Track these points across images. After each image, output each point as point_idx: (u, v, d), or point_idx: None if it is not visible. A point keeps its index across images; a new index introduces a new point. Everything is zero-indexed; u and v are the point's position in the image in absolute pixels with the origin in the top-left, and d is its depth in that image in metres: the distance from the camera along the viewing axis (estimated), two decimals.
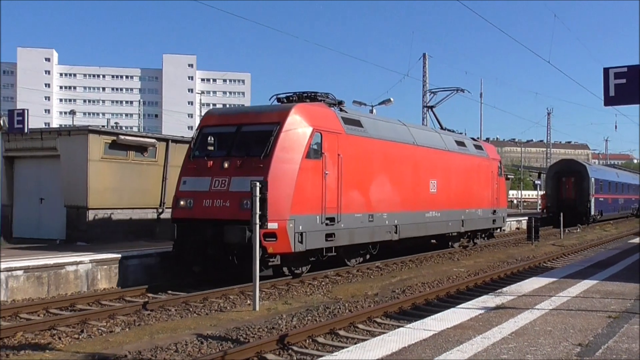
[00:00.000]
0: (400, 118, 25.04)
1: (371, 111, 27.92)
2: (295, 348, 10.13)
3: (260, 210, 13.08)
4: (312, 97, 17.81)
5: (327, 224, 16.04)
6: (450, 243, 25.73)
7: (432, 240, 24.90)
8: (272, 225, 14.08)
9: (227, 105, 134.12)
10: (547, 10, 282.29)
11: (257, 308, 13.17)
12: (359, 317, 12.34)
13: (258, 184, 13.20)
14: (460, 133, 27.83)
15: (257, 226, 13.08)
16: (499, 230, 30.33)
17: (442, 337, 7.99)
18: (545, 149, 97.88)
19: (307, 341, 10.61)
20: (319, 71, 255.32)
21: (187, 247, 15.38)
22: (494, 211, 28.25)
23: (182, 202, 15.67)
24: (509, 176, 69.21)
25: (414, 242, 22.57)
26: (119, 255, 16.58)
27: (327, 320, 12.18)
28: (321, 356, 8.98)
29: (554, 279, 13.78)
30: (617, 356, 6.98)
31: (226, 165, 15.32)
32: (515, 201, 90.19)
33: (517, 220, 46.17)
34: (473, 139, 28.83)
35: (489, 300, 11.07)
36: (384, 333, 9.67)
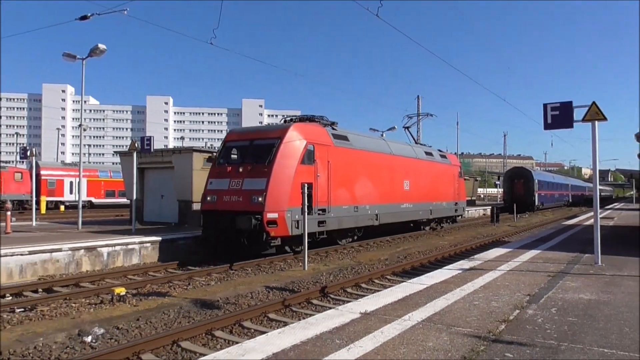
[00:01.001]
0: (401, 140, 24.81)
1: (381, 135, 27.21)
2: (331, 296, 10.12)
3: (307, 202, 13.04)
4: (310, 118, 17.03)
5: (319, 214, 15.28)
6: (422, 227, 24.86)
7: (411, 225, 24.02)
8: (273, 215, 13.72)
9: None
10: (504, 65, 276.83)
11: (306, 268, 13.14)
12: (375, 275, 12.26)
13: (306, 185, 13.21)
14: (430, 146, 26.82)
15: (306, 214, 13.06)
16: (460, 217, 29.56)
17: (432, 289, 7.90)
18: (502, 160, 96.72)
19: (340, 291, 10.59)
20: (346, 109, 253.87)
21: (211, 232, 14.57)
22: (456, 203, 27.59)
23: (208, 198, 14.87)
24: (477, 178, 68.56)
25: (393, 226, 21.50)
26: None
27: (353, 277, 12.11)
28: (349, 301, 8.94)
29: (510, 249, 13.50)
30: (554, 303, 6.83)
31: (241, 170, 14.60)
32: (482, 195, 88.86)
33: (483, 209, 45.48)
34: (440, 150, 27.83)
35: (465, 263, 10.89)
36: (392, 286, 9.58)
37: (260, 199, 13.80)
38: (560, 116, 10.04)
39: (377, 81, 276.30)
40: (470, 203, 52.51)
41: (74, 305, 9.09)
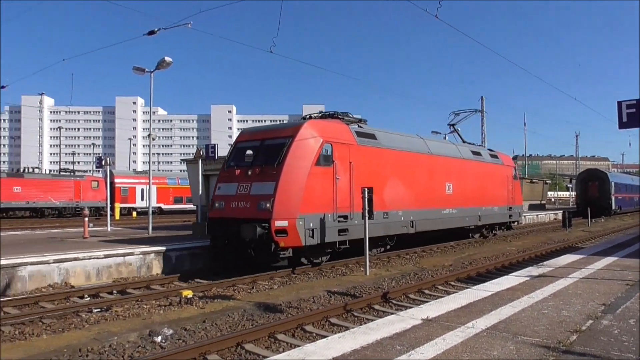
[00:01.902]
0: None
1: (444, 138, 25.61)
2: (394, 301, 10.04)
3: (368, 206, 13.00)
4: (333, 115, 15.49)
5: (339, 221, 13.58)
6: (470, 234, 22.27)
7: (457, 232, 21.40)
8: (282, 223, 12.22)
9: None
10: (573, 61, 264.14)
11: (368, 273, 13.10)
12: (439, 281, 12.04)
13: (366, 189, 13.11)
14: (480, 145, 24.24)
15: (367, 219, 13.03)
16: (516, 223, 26.58)
17: (498, 296, 7.68)
18: (574, 161, 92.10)
19: (402, 297, 10.48)
20: (405, 112, 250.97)
21: (219, 242, 13.42)
22: (510, 208, 24.60)
23: (216, 204, 13.62)
24: (547, 181, 65.68)
25: (433, 235, 19.24)
26: None
27: (415, 282, 11.95)
28: (411, 307, 8.84)
29: (584, 256, 12.85)
30: (633, 313, 6.44)
31: (249, 173, 13.18)
32: (552, 199, 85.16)
33: (554, 213, 43.50)
34: (490, 150, 25.17)
35: (533, 270, 10.49)
36: (455, 292, 9.38)
37: (267, 205, 12.36)
38: (637, 114, 9.45)
39: (437, 83, 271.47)
40: (540, 207, 50.46)
41: (145, 306, 9.55)
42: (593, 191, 45.84)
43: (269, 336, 7.53)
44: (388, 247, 16.79)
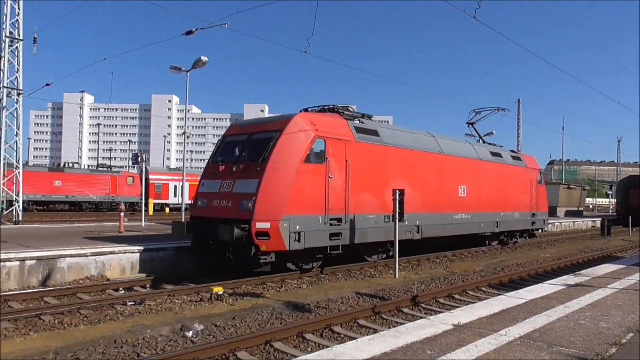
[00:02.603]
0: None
1: (478, 141, 24.04)
2: (423, 305, 9.94)
3: (399, 209, 12.90)
4: (332, 109, 14.20)
5: (331, 224, 12.48)
6: (487, 242, 20.80)
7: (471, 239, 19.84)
8: (264, 225, 11.23)
9: None
10: (617, 64, 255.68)
11: (397, 276, 13.01)
12: (469, 286, 11.85)
13: (397, 191, 12.99)
14: (501, 146, 22.47)
15: (397, 221, 12.94)
16: (540, 230, 24.62)
17: (532, 304, 7.52)
18: (615, 167, 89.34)
19: (432, 301, 10.36)
20: (439, 113, 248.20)
21: (200, 242, 12.51)
22: (533, 214, 22.80)
23: (198, 202, 12.82)
24: (585, 187, 63.85)
25: (444, 241, 17.88)
26: None
27: (446, 287, 11.81)
28: (442, 312, 8.74)
29: (624, 266, 12.45)
30: None
31: (234, 169, 12.27)
32: (590, 206, 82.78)
33: (592, 220, 42.27)
34: (513, 151, 23.44)
35: (569, 279, 10.23)
36: (487, 298, 9.24)
37: (249, 204, 11.40)
38: None
39: (473, 85, 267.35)
40: (577, 214, 49.10)
41: (176, 301, 9.73)
42: (635, 198, 44.19)
43: (297, 335, 7.56)
44: (391, 253, 14.91)
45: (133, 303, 9.52)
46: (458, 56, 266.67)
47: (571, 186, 54.31)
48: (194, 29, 14.43)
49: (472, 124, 23.05)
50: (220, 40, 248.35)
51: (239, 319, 8.43)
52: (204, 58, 18.44)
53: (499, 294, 9.35)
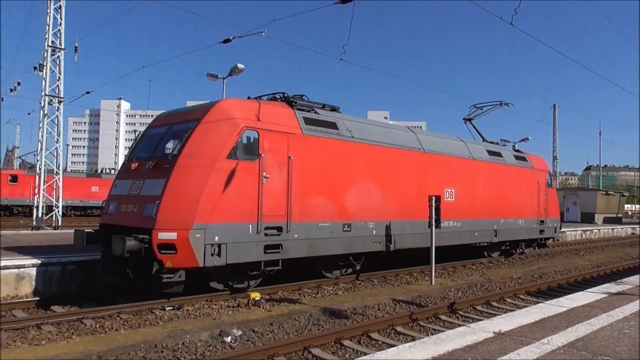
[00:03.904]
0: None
1: (514, 147, 22.41)
2: (460, 312, 9.85)
3: (436, 215, 12.74)
4: (284, 98, 12.17)
5: (267, 234, 10.40)
6: (486, 252, 18.39)
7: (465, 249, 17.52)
8: (168, 235, 9.07)
9: None
10: None
11: (433, 282, 12.90)
12: (507, 293, 11.67)
13: (434, 197, 12.81)
14: (504, 144, 20.20)
15: (432, 227, 12.82)
16: (552, 240, 22.00)
17: (573, 313, 7.36)
18: None
19: (469, 308, 10.27)
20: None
21: (107, 255, 10.26)
22: (542, 221, 20.15)
23: (110, 207, 10.72)
24: (624, 193, 61.91)
25: (427, 252, 14.28)
26: None
27: (483, 294, 11.66)
28: (481, 319, 8.64)
29: None
30: None
31: (146, 166, 10.23)
32: (629, 212, 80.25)
33: (632, 227, 41.07)
34: (517, 150, 20.92)
35: (611, 287, 9.95)
36: (526, 306, 9.09)
37: (154, 210, 9.30)
38: None
39: (509, 90, 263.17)
40: (616, 220, 47.71)
41: (214, 306, 9.89)
42: None
43: (335, 342, 7.59)
44: (359, 267, 13.26)
45: (171, 308, 9.70)
46: (493, 62, 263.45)
47: (609, 192, 52.80)
48: (231, 37, 14.66)
49: (469, 120, 20.33)
50: (256, 47, 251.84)
51: (276, 325, 8.51)
52: (240, 65, 18.72)
53: (538, 302, 9.18)
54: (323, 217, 11.65)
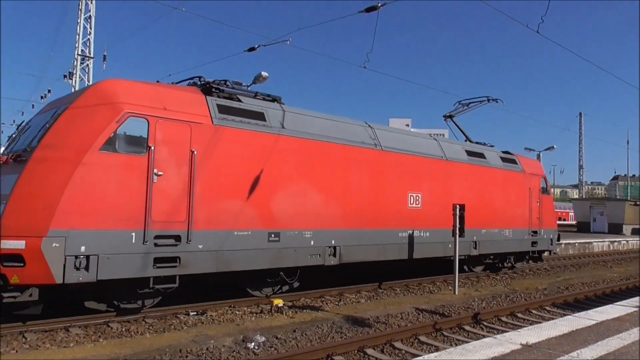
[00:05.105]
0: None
1: (538, 157, 21.25)
2: (485, 323, 9.71)
3: (460, 224, 12.60)
4: (201, 83, 10.49)
5: (157, 244, 8.55)
6: (467, 267, 16.25)
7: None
8: (13, 244, 7.45)
9: None
10: None
11: (456, 292, 12.74)
12: (533, 305, 11.46)
13: (458, 206, 12.66)
14: (492, 145, 17.82)
15: (457, 236, 12.69)
16: (549, 253, 19.65)
17: (603, 326, 7.19)
18: None
19: (494, 319, 10.11)
20: (498, 127, 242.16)
21: None
22: (535, 232, 17.70)
23: None
24: None
25: (386, 266, 13.15)
26: None
27: (508, 305, 11.48)
28: (505, 330, 8.50)
29: None
30: None
31: (10, 160, 8.39)
32: None
33: None
34: (506, 152, 18.15)
35: None
36: (553, 318, 8.92)
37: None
38: None
39: (533, 98, 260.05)
40: None
41: (238, 312, 9.93)
42: None
43: (358, 350, 7.55)
44: (297, 284, 11.48)
45: (195, 313, 9.78)
46: (517, 69, 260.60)
47: (638, 202, 51.48)
48: (256, 46, 14.76)
49: (450, 117, 18.03)
50: (281, 56, 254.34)
51: (299, 332, 8.50)
52: (264, 73, 18.77)
53: (565, 314, 9.00)
54: (241, 224, 9.74)
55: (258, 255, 9.96)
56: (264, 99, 11.13)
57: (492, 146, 17.77)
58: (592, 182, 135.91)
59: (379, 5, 11.51)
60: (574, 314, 8.32)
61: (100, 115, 8.32)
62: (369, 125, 13.09)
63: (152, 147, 8.64)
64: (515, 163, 17.80)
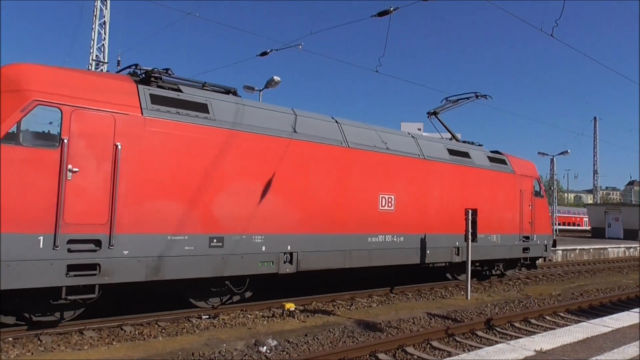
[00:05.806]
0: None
1: (551, 161, 20.50)
2: (497, 329, 9.63)
3: (472, 229, 12.54)
4: (147, 74, 9.35)
5: (72, 250, 7.66)
6: (449, 274, 15.49)
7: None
8: None
9: None
10: None
11: (469, 298, 12.66)
12: (546, 311, 11.34)
13: (471, 211, 12.59)
14: (480, 145, 16.73)
15: (469, 241, 12.62)
16: (544, 259, 18.59)
17: (619, 333, 7.10)
18: None
19: (507, 325, 10.03)
20: (511, 132, 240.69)
21: None
22: (526, 238, 16.48)
23: None
24: None
25: (353, 274, 12.41)
26: None
27: (521, 310, 11.38)
28: (518, 336, 8.44)
29: None
30: None
31: None
32: None
33: None
34: (495, 152, 17.05)
35: None
36: (567, 325, 8.83)
37: None
38: None
39: (547, 102, 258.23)
40: None
41: (249, 316, 9.96)
42: None
43: (370, 355, 7.54)
44: (248, 294, 10.67)
45: (208, 317, 9.82)
46: (531, 74, 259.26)
47: None
48: (268, 50, 14.89)
49: (434, 113, 16.91)
50: (291, 60, 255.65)
51: (311, 336, 8.50)
52: (276, 78, 18.95)
53: (580, 321, 8.89)
54: (176, 227, 8.79)
55: (197, 262, 9.00)
56: (226, 92, 10.33)
57: (480, 145, 16.79)
58: (606, 187, 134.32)
59: (392, 9, 11.55)
60: (589, 321, 8.22)
61: (2, 104, 7.48)
62: (336, 121, 12.10)
63: (66, 140, 7.73)
64: (505, 163, 16.59)
